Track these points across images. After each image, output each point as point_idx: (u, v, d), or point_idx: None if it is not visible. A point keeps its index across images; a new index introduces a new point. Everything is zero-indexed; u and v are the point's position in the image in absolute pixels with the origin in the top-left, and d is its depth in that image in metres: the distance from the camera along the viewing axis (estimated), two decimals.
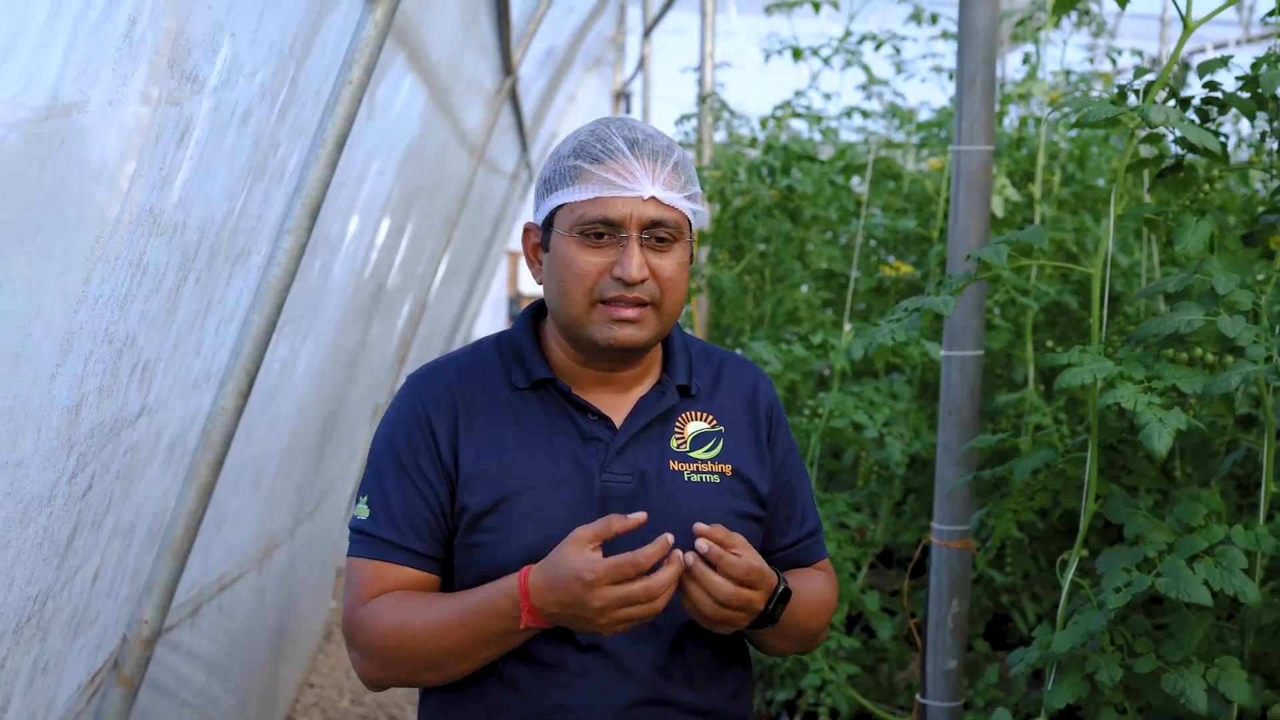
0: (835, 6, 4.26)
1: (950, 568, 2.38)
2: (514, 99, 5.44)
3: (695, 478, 1.67)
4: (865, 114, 5.05)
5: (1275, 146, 2.09)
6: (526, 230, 1.69)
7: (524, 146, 7.56)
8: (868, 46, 4.43)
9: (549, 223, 1.63)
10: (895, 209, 4.31)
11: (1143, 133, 2.13)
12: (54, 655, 1.84)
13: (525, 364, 1.67)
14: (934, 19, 4.21)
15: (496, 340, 1.73)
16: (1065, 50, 3.88)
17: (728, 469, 1.69)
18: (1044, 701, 1.97)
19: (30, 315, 1.27)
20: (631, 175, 1.58)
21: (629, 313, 1.58)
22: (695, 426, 1.70)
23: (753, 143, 4.59)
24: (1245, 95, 2.02)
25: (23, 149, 1.11)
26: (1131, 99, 2.01)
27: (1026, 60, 3.53)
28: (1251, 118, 2.03)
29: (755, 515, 1.71)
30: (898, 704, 3.37)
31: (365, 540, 1.64)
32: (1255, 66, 2.09)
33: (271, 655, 3.61)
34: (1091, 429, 2.01)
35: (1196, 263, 1.94)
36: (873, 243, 4.31)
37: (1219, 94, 2.05)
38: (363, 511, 1.65)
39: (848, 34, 4.35)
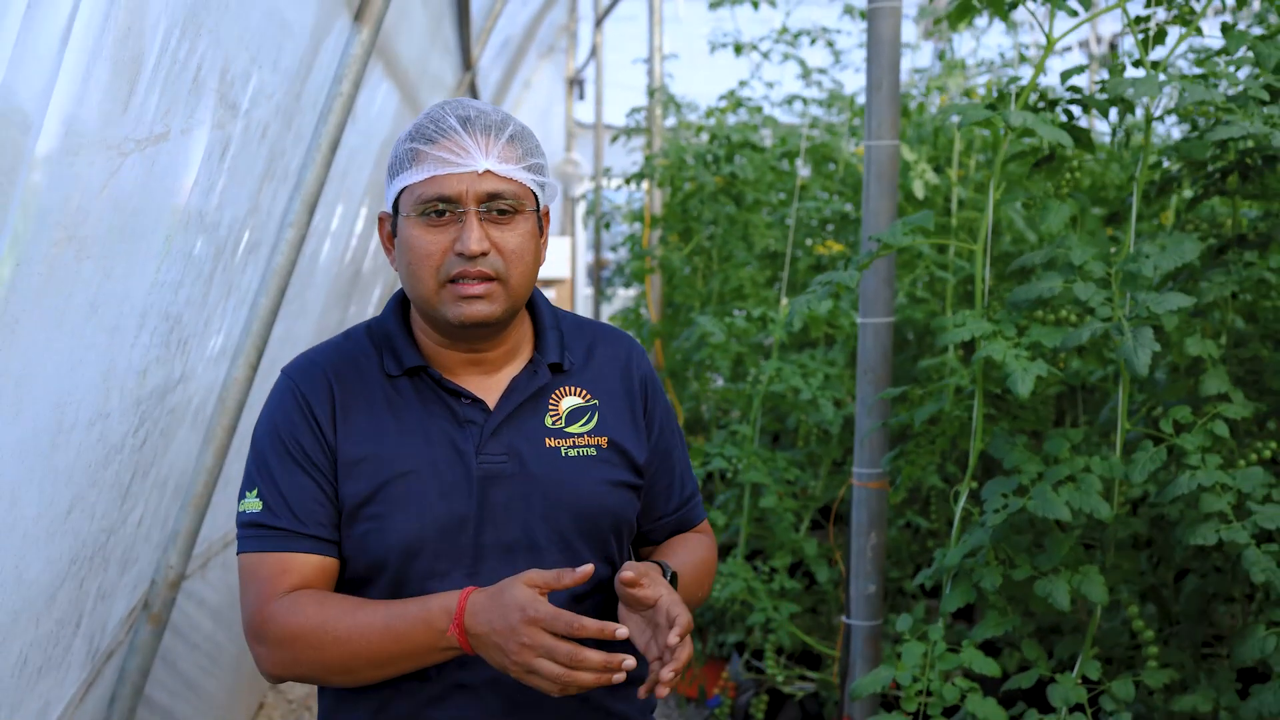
0: (772, 4, 4.66)
1: (868, 505, 2.81)
2: (473, 90, 5.82)
3: (572, 452, 1.70)
4: (805, 101, 5.47)
5: (1123, 139, 2.52)
6: (380, 220, 1.72)
7: None
8: (804, 40, 4.85)
9: (396, 209, 1.65)
10: (833, 191, 4.74)
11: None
12: (110, 585, 2.24)
13: (397, 352, 1.69)
14: (863, 15, 4.63)
15: (368, 328, 1.74)
16: (981, 42, 4.29)
17: (604, 441, 1.72)
18: (940, 606, 2.41)
19: (123, 298, 1.67)
20: (464, 151, 1.60)
21: (476, 289, 1.60)
22: (570, 402, 1.73)
23: (699, 130, 4.99)
24: (1103, 96, 2.45)
25: (132, 172, 1.50)
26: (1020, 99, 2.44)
27: (942, 57, 3.95)
28: (1105, 115, 2.46)
29: (632, 484, 1.75)
30: (836, 642, 3.81)
31: (263, 534, 1.62)
32: (1113, 71, 2.52)
33: None
34: (977, 380, 2.45)
35: (1059, 238, 2.38)
36: (814, 223, 4.74)
37: (1080, 96, 2.47)
38: (253, 505, 1.63)
39: (784, 30, 4.76)
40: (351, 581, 1.66)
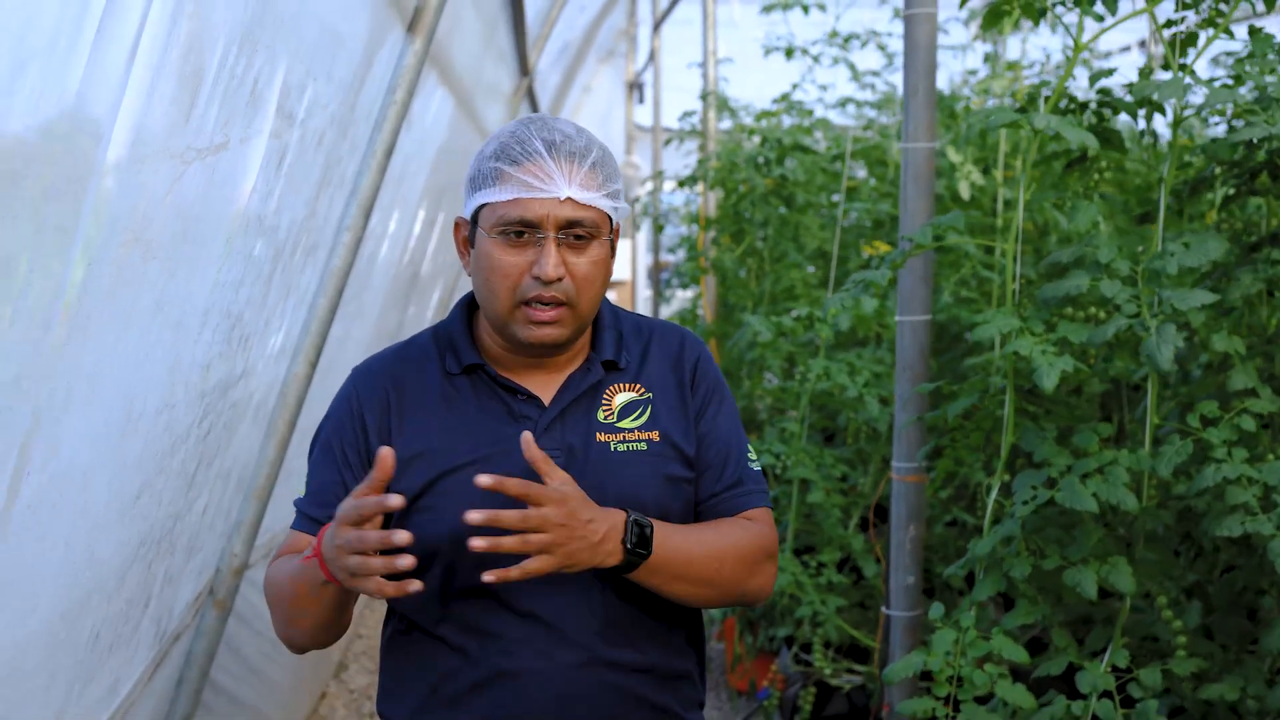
0: (822, 9, 4.74)
1: (907, 499, 2.89)
2: (531, 96, 5.96)
3: (622, 447, 1.74)
4: (859, 104, 5.55)
5: (1151, 142, 2.58)
6: (456, 225, 1.78)
7: None
8: (855, 44, 4.92)
9: (475, 219, 1.72)
10: (882, 193, 4.81)
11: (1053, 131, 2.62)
12: (177, 570, 2.38)
13: (457, 351, 1.76)
14: None
15: (434, 331, 1.82)
16: (1030, 44, 4.35)
17: (655, 435, 1.77)
18: (972, 595, 2.48)
19: (186, 297, 1.80)
20: (549, 177, 1.65)
21: (546, 314, 1.67)
22: (623, 397, 1.78)
23: (750, 133, 5.08)
24: (1130, 99, 2.52)
25: (193, 183, 1.63)
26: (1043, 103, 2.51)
27: (989, 59, 4.02)
28: (1134, 117, 2.52)
29: (686, 478, 1.79)
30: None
31: (297, 515, 1.77)
32: (1142, 74, 2.59)
33: None
34: (1008, 375, 2.52)
35: (1087, 237, 2.45)
36: (867, 223, 4.81)
37: (1109, 99, 2.54)
38: (302, 490, 1.79)
39: (834, 33, 4.84)
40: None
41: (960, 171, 3.93)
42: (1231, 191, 2.74)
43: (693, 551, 1.72)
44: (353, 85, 2.45)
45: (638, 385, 1.80)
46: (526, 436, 1.58)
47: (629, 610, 1.74)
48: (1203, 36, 2.56)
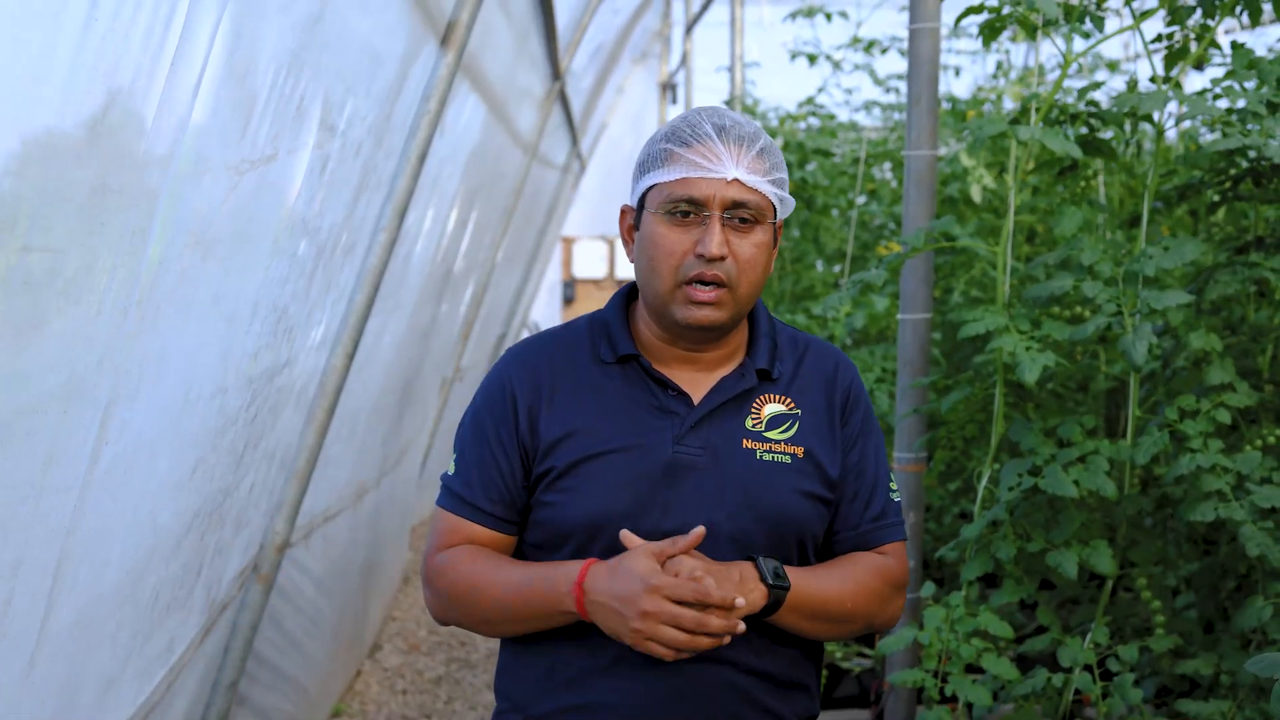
0: (845, 16, 4.94)
1: (907, 487, 3.09)
2: (563, 99, 6.19)
3: (767, 456, 1.76)
4: (884, 107, 5.74)
5: (1135, 151, 2.77)
6: (623, 212, 1.82)
7: (574, 140, 8.33)
8: (877, 49, 5.12)
9: (642, 204, 1.75)
10: (900, 195, 5.00)
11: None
12: (225, 543, 2.61)
13: (613, 340, 1.79)
14: None
15: (590, 319, 1.85)
16: (1039, 51, 4.52)
17: (800, 451, 1.78)
18: (962, 575, 2.68)
19: (238, 292, 2.03)
20: (717, 158, 1.68)
21: (706, 295, 1.69)
22: (772, 409, 1.80)
23: (774, 135, 5.27)
24: (1117, 110, 2.70)
25: (246, 190, 1.86)
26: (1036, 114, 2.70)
27: (999, 67, 4.21)
28: (1121, 127, 2.71)
29: (823, 497, 1.80)
30: None
31: (447, 493, 1.81)
32: (1131, 85, 2.77)
33: (362, 585, 4.40)
34: (998, 370, 2.72)
35: (1072, 240, 2.64)
36: (886, 224, 5.01)
37: (1096, 110, 2.73)
38: (450, 467, 1.83)
39: (855, 39, 5.04)
40: (537, 548, 1.79)
41: (972, 175, 4.11)
42: (1218, 198, 2.92)
43: (829, 591, 1.76)
44: (389, 97, 2.67)
45: (788, 399, 1.81)
46: (697, 532, 1.64)
47: (755, 617, 1.72)
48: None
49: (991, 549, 2.65)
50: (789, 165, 4.79)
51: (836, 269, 5.07)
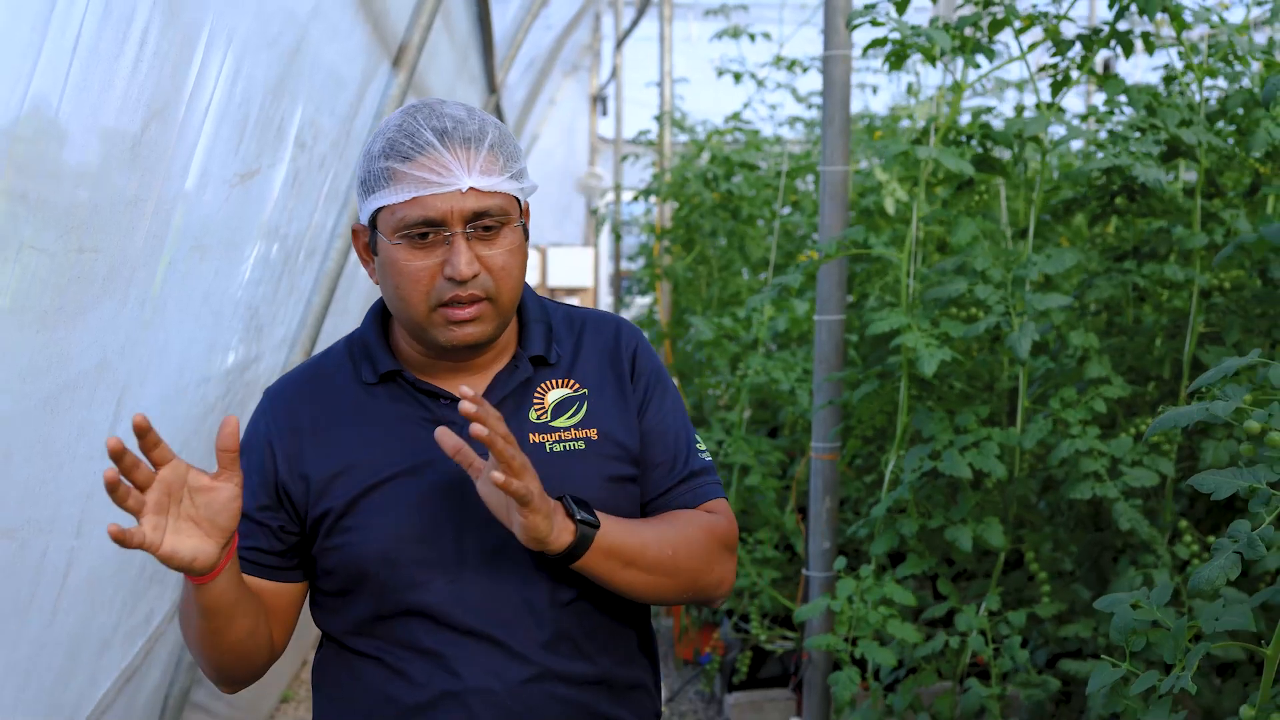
0: (768, 38, 5.28)
1: (823, 474, 3.42)
2: (498, 111, 6.47)
3: (558, 447, 1.66)
4: (807, 123, 6.10)
5: (1024, 171, 3.12)
6: (355, 232, 1.68)
7: None
8: (797, 69, 5.47)
9: (373, 223, 1.61)
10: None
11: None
12: None
13: (373, 360, 1.68)
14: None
15: (348, 341, 1.75)
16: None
17: (593, 433, 1.69)
18: (869, 551, 3.01)
19: (224, 291, 2.30)
20: (445, 169, 1.55)
21: (466, 313, 1.58)
22: (556, 394, 1.71)
23: (700, 150, 5.60)
24: (1006, 132, 3.05)
25: (235, 200, 2.14)
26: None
27: (909, 89, 4.56)
28: (1011, 148, 3.05)
29: (630, 476, 1.72)
30: None
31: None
32: (1017, 112, 3.12)
33: None
34: (903, 365, 3.05)
35: (967, 248, 2.98)
36: (814, 235, 5.35)
37: (988, 131, 3.08)
38: None
39: (779, 59, 5.38)
40: (336, 594, 1.68)
41: (886, 189, 4.46)
42: (1098, 211, 3.28)
43: (645, 536, 1.65)
44: (349, 115, 2.95)
45: (571, 381, 1.72)
46: (440, 430, 1.52)
47: (577, 620, 1.68)
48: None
49: (897, 526, 2.98)
50: (716, 178, 5.12)
51: (762, 276, 5.40)
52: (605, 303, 11.14)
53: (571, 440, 1.68)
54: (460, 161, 1.56)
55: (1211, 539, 2.97)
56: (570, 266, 10.17)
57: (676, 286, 5.70)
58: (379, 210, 1.59)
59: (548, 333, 1.74)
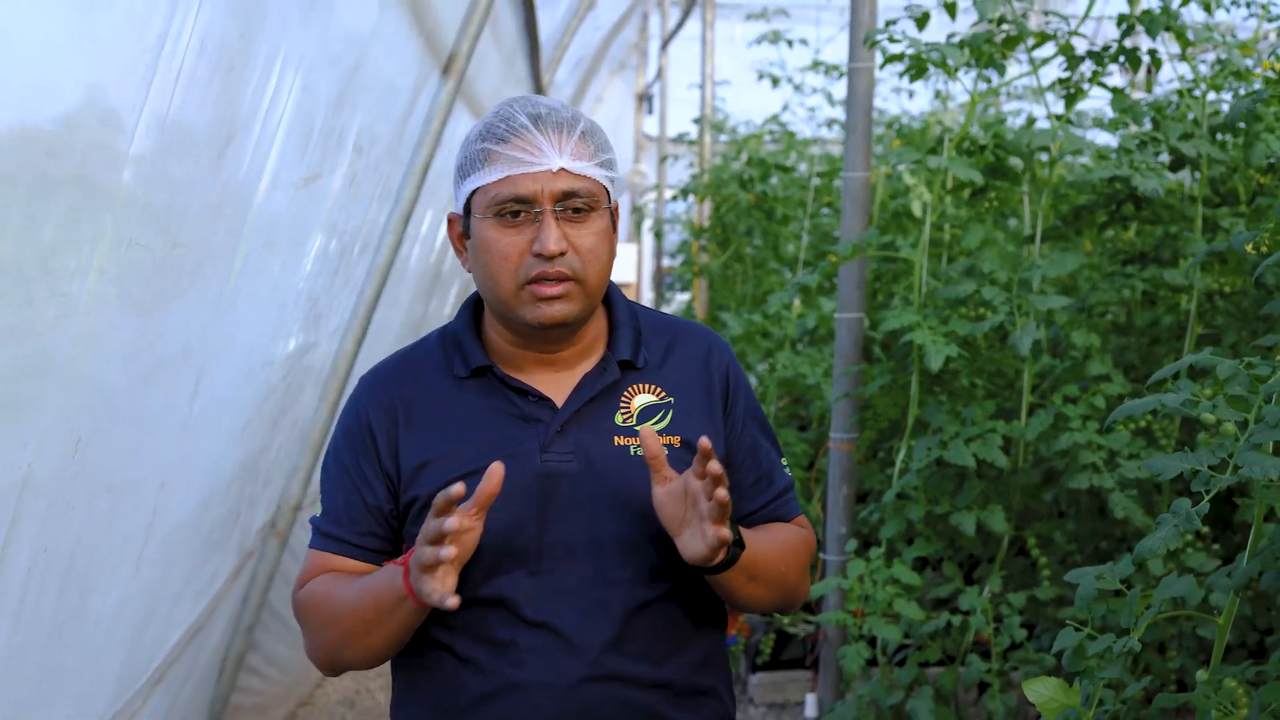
0: (805, 44, 5.52)
1: (840, 463, 3.66)
2: None
3: (641, 452, 1.66)
4: (843, 125, 6.31)
5: (1030, 180, 3.35)
6: (450, 221, 1.75)
7: None
8: (835, 73, 5.70)
9: (468, 209, 1.68)
10: None
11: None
12: (256, 495, 3.15)
13: (465, 353, 1.73)
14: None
15: (441, 333, 1.80)
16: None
17: (675, 441, 1.73)
18: (880, 534, 3.25)
19: (288, 283, 2.58)
20: (538, 150, 1.61)
21: (553, 289, 1.63)
22: (642, 399, 1.74)
23: (738, 151, 5.84)
24: (1015, 142, 3.27)
25: (299, 201, 2.41)
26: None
27: (938, 95, 4.79)
28: (1023, 158, 3.28)
29: None
30: None
31: (315, 534, 1.76)
32: (1030, 122, 3.35)
33: None
34: (914, 360, 3.28)
35: (976, 251, 3.21)
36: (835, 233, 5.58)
37: (1001, 141, 3.31)
38: (319, 508, 1.77)
39: (816, 63, 5.62)
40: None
41: (914, 193, 4.69)
42: (1105, 218, 3.50)
43: (770, 553, 1.73)
44: (401, 120, 3.23)
45: (658, 388, 1.76)
46: (646, 430, 1.60)
47: (648, 624, 1.71)
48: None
49: (905, 511, 3.22)
50: (751, 180, 5.36)
51: (790, 275, 5.65)
52: (647, 298, 11.40)
53: None
54: (552, 143, 1.63)
55: (1205, 529, 3.20)
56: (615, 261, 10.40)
57: (712, 284, 5.95)
58: (473, 194, 1.67)
59: (636, 337, 1.78)
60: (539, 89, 6.12)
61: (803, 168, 5.85)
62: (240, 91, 1.83)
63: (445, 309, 6.32)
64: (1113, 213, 3.49)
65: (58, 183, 1.38)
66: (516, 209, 1.63)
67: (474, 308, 1.79)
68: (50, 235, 1.41)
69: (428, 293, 5.14)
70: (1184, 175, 3.63)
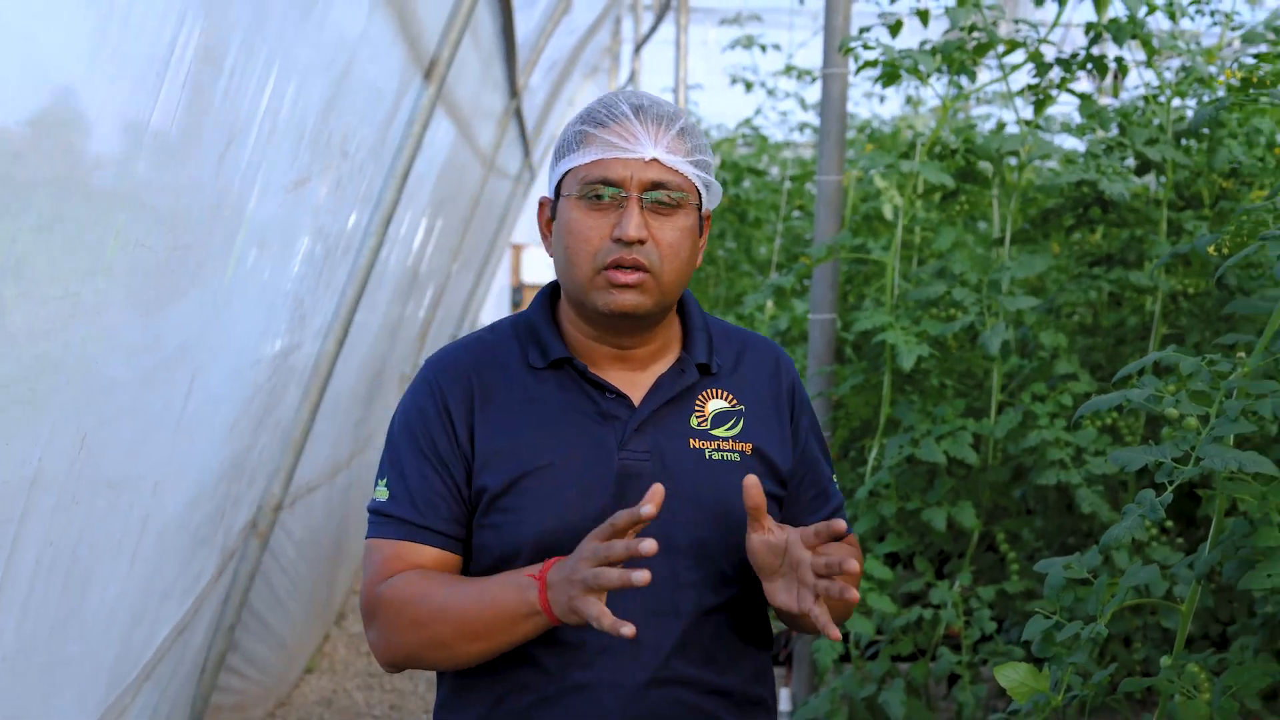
0: (778, 48, 5.61)
1: None
2: (519, 116, 6.82)
3: (716, 455, 1.69)
4: (814, 129, 6.42)
5: (1000, 183, 3.44)
6: (541, 205, 1.75)
7: (526, 151, 8.98)
8: (807, 78, 5.80)
9: (559, 192, 1.68)
10: None
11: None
12: (240, 494, 3.20)
13: (542, 344, 1.72)
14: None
15: (514, 322, 1.78)
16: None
17: (748, 448, 1.73)
18: (853, 531, 3.33)
19: (276, 284, 2.64)
20: (634, 137, 1.62)
21: (628, 277, 1.62)
22: (716, 405, 1.74)
23: (715, 149, 5.93)
24: (985, 147, 3.37)
25: (289, 204, 2.47)
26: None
27: (909, 99, 4.89)
28: (994, 163, 3.37)
29: (775, 495, 1.75)
30: None
31: (385, 521, 1.69)
32: (999, 127, 3.45)
33: (332, 556, 5.00)
34: (886, 360, 3.37)
35: (947, 253, 3.30)
36: (807, 235, 5.67)
37: (971, 146, 3.40)
38: (382, 494, 1.70)
39: (788, 68, 5.71)
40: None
41: (885, 196, 4.78)
42: (1073, 221, 3.60)
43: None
44: (384, 124, 3.29)
45: (729, 395, 1.76)
46: (750, 479, 1.57)
47: (714, 631, 1.71)
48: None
49: (878, 508, 3.31)
50: (724, 184, 5.45)
51: (762, 278, 5.73)
52: None
53: (729, 451, 1.73)
54: (649, 133, 1.64)
55: (1170, 523, 3.29)
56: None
57: None
58: (565, 175, 1.67)
59: (710, 342, 1.79)
60: (514, 90, 6.18)
61: (775, 171, 5.94)
62: (240, 97, 1.89)
63: (421, 312, 6.38)
64: (1080, 216, 3.59)
65: (72, 185, 1.45)
66: (603, 191, 1.63)
67: (549, 298, 1.79)
68: (61, 238, 1.47)
69: (405, 295, 5.20)
70: (1149, 179, 3.74)
